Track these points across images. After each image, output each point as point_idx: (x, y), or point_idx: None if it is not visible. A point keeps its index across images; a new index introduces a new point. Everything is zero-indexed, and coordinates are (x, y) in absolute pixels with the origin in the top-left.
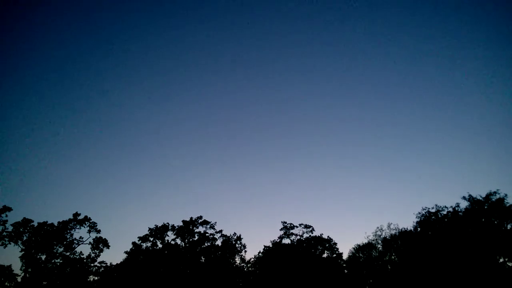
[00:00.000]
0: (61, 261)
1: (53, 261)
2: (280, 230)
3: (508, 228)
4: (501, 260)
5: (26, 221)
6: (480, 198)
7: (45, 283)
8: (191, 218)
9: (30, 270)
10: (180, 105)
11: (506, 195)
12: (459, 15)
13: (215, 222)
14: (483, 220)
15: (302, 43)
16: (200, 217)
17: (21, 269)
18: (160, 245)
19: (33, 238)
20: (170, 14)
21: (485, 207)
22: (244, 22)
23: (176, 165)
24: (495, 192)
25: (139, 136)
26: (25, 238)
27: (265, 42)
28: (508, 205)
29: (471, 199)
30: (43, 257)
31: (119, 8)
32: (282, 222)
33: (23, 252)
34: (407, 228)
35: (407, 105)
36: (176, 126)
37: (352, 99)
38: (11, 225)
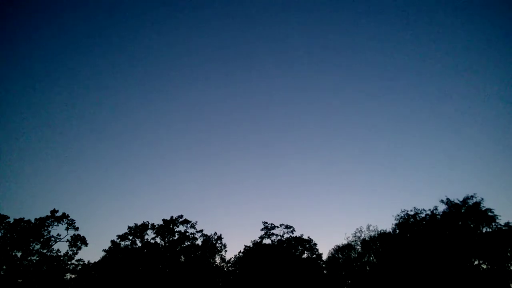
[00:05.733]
0: (37, 258)
1: (29, 258)
2: (261, 230)
3: (484, 231)
4: (476, 262)
5: (2, 217)
6: (458, 202)
7: (20, 280)
8: (172, 217)
9: (4, 267)
10: (161, 105)
11: (482, 199)
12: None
13: (196, 222)
14: (460, 223)
15: (290, 38)
16: (181, 216)
17: None
18: (139, 244)
19: (9, 235)
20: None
21: (462, 210)
22: (243, 20)
23: (157, 163)
24: (472, 196)
25: (120, 134)
26: (0, 234)
27: (257, 38)
28: (484, 209)
29: (449, 202)
30: (19, 254)
31: (118, 9)
32: (263, 222)
33: None
34: (386, 230)
35: (388, 109)
36: (157, 125)
37: (337, 99)
38: None
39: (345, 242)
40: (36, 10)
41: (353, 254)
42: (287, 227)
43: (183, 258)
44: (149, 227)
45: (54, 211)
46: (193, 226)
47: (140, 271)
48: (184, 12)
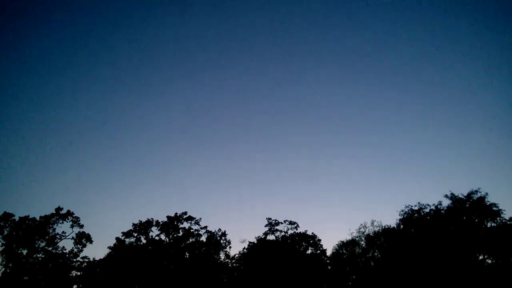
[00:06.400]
0: (43, 256)
1: (34, 256)
2: (265, 226)
3: (488, 226)
4: (481, 257)
5: (7, 215)
6: (462, 197)
7: (26, 278)
8: (176, 213)
9: (10, 265)
10: (165, 101)
11: (486, 193)
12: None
13: (200, 218)
14: (464, 218)
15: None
16: (185, 213)
17: (1, 264)
18: (144, 241)
19: (14, 233)
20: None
21: (467, 205)
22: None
23: (160, 160)
24: (476, 191)
25: (124, 131)
26: (5, 232)
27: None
28: (488, 203)
29: (453, 197)
30: (25, 252)
31: (116, 7)
32: (267, 218)
33: (4, 247)
34: (390, 225)
35: (392, 103)
36: (161, 121)
37: (337, 96)
38: None
39: (349, 237)
40: (36, 9)
41: (357, 250)
42: (291, 223)
43: (187, 254)
44: (154, 224)
45: (59, 209)
46: (197, 223)
47: (145, 268)
48: (183, 11)
